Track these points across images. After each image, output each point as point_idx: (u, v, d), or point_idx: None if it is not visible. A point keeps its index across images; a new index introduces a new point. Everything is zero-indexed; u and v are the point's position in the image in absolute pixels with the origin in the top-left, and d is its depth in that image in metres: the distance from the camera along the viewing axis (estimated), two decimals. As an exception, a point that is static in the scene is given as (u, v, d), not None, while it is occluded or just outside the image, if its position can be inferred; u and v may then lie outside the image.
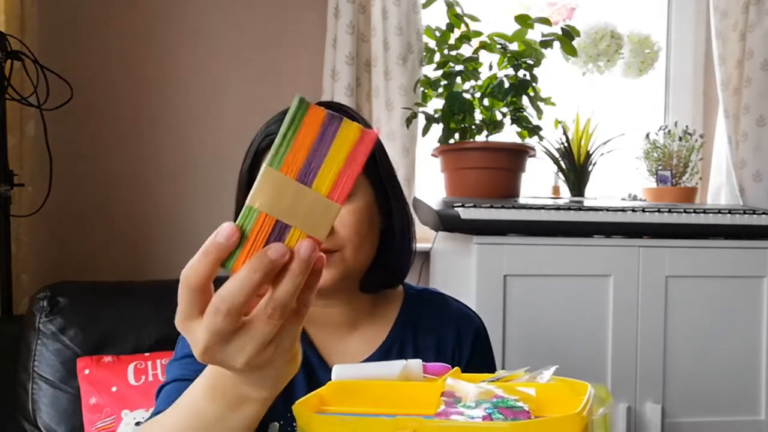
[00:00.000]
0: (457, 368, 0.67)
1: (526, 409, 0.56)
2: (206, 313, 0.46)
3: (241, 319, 0.47)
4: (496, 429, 0.52)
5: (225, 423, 0.56)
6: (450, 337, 0.93)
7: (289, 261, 0.46)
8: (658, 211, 1.73)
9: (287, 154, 0.47)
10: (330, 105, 0.90)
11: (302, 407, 0.56)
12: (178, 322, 0.48)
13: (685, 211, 1.74)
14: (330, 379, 0.79)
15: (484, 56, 1.93)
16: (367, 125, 0.89)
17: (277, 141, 0.46)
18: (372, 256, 0.87)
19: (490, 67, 1.95)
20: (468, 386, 0.59)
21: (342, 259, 0.83)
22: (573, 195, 2.10)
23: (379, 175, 0.88)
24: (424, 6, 1.99)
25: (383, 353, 0.90)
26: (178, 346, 0.88)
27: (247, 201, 0.46)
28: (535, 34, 1.91)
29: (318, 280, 0.49)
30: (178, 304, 0.48)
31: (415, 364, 0.65)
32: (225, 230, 0.45)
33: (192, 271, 0.46)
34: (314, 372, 0.88)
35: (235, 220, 0.51)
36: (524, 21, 1.87)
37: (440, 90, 1.93)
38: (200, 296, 0.47)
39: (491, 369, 0.92)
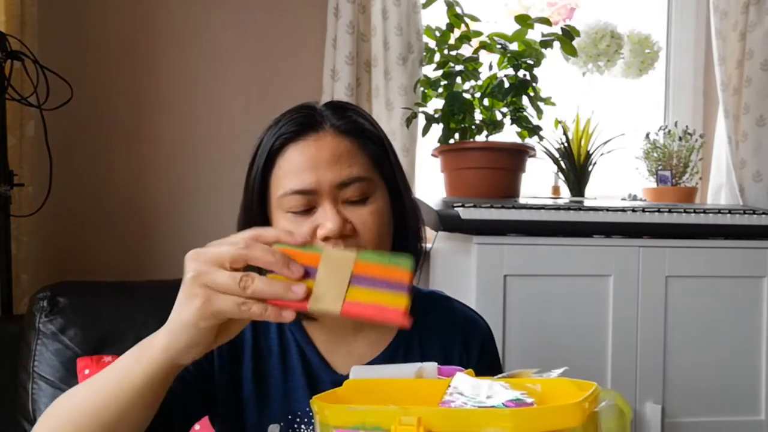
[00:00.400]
0: (470, 370, 0.67)
1: (530, 401, 0.57)
2: (237, 241, 0.61)
3: (240, 265, 0.60)
4: (497, 415, 0.53)
5: (129, 374, 0.65)
6: (456, 343, 0.93)
7: (289, 278, 0.59)
8: (658, 211, 1.73)
9: (369, 262, 0.59)
10: (335, 103, 0.90)
11: (319, 400, 0.60)
12: (221, 239, 0.62)
13: (685, 211, 1.74)
14: (331, 380, 0.80)
15: (484, 56, 1.93)
16: (372, 122, 0.89)
17: (380, 253, 0.62)
18: None
19: (490, 67, 1.95)
20: (475, 381, 0.61)
21: None
22: (573, 195, 2.10)
23: (393, 176, 0.88)
24: (424, 6, 1.99)
25: (388, 357, 0.89)
26: None
27: (322, 248, 0.62)
28: (535, 34, 1.91)
29: (261, 319, 0.60)
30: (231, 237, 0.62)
31: (430, 366, 0.68)
32: (301, 236, 0.62)
33: (266, 228, 0.63)
34: (314, 372, 0.88)
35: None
36: (524, 21, 1.87)
37: (440, 90, 1.92)
38: (246, 241, 0.61)
39: (498, 373, 0.92)
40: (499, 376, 0.64)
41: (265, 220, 0.86)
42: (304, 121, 0.84)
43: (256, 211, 0.85)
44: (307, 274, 0.59)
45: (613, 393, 0.58)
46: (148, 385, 0.65)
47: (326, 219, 0.80)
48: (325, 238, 0.80)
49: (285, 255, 0.60)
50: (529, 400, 0.57)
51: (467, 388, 0.59)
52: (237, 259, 0.59)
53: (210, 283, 0.59)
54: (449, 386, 0.62)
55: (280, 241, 0.61)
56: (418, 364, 0.68)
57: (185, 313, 0.60)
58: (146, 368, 0.64)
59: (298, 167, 0.81)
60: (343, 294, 0.58)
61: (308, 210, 0.81)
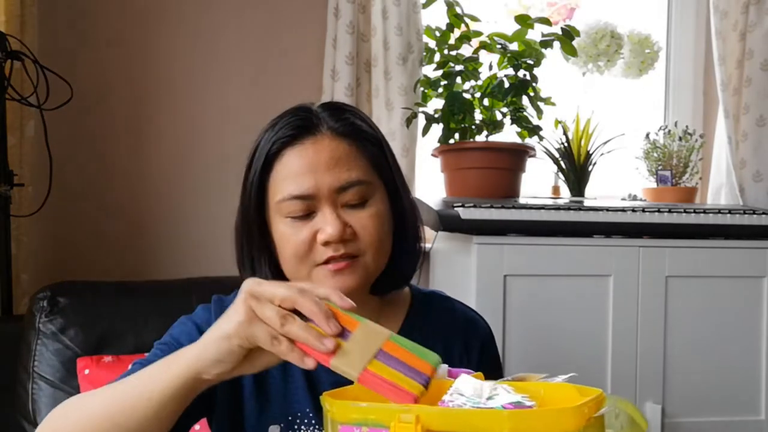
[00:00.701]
0: (479, 373, 0.67)
1: (530, 404, 0.57)
2: (293, 286, 0.65)
3: (288, 306, 0.64)
4: (495, 415, 0.53)
5: (155, 382, 0.67)
6: (457, 343, 0.92)
7: (325, 332, 0.63)
8: (658, 211, 1.73)
9: (400, 346, 0.63)
10: (331, 104, 0.90)
11: (329, 395, 0.64)
12: (280, 281, 0.67)
13: (685, 211, 1.74)
14: (331, 381, 0.80)
15: (484, 56, 1.93)
16: (370, 124, 0.89)
17: (414, 344, 0.64)
18: (387, 259, 0.86)
19: (490, 67, 1.95)
20: (478, 383, 0.61)
21: (364, 265, 0.82)
22: (573, 195, 2.10)
23: (392, 177, 0.87)
24: (424, 6, 1.99)
25: None
26: (167, 332, 0.88)
27: (364, 319, 0.65)
28: (535, 34, 1.91)
29: (286, 358, 0.64)
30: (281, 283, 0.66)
31: (441, 368, 0.68)
32: (348, 302, 0.65)
33: (316, 287, 0.66)
34: (315, 373, 0.87)
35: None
36: (524, 21, 1.87)
37: (440, 90, 1.92)
38: (300, 288, 0.65)
39: (498, 373, 0.92)
40: (504, 379, 0.64)
41: (263, 224, 0.85)
42: (301, 124, 0.83)
43: (253, 215, 0.85)
44: (341, 334, 0.63)
45: (628, 405, 0.58)
46: (171, 395, 0.67)
47: (326, 224, 0.79)
48: (326, 243, 0.80)
49: (329, 310, 0.64)
50: (529, 404, 0.57)
51: (468, 389, 0.60)
52: (287, 299, 0.64)
53: (256, 309, 0.63)
54: (451, 387, 0.62)
55: (329, 299, 0.65)
56: None
57: (224, 324, 0.65)
58: (172, 377, 0.66)
59: (296, 172, 0.81)
60: (366, 363, 0.61)
61: (307, 215, 0.81)
